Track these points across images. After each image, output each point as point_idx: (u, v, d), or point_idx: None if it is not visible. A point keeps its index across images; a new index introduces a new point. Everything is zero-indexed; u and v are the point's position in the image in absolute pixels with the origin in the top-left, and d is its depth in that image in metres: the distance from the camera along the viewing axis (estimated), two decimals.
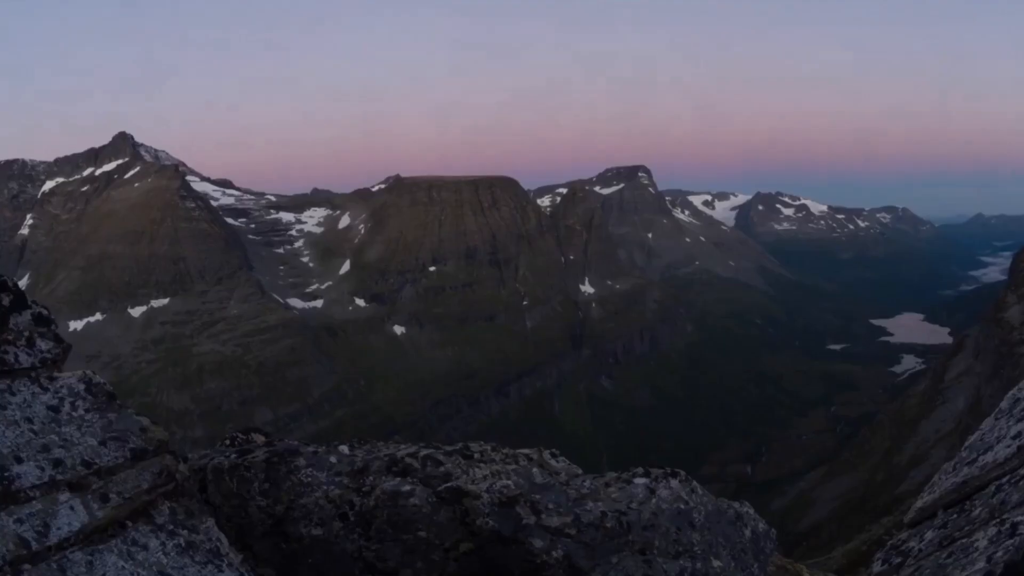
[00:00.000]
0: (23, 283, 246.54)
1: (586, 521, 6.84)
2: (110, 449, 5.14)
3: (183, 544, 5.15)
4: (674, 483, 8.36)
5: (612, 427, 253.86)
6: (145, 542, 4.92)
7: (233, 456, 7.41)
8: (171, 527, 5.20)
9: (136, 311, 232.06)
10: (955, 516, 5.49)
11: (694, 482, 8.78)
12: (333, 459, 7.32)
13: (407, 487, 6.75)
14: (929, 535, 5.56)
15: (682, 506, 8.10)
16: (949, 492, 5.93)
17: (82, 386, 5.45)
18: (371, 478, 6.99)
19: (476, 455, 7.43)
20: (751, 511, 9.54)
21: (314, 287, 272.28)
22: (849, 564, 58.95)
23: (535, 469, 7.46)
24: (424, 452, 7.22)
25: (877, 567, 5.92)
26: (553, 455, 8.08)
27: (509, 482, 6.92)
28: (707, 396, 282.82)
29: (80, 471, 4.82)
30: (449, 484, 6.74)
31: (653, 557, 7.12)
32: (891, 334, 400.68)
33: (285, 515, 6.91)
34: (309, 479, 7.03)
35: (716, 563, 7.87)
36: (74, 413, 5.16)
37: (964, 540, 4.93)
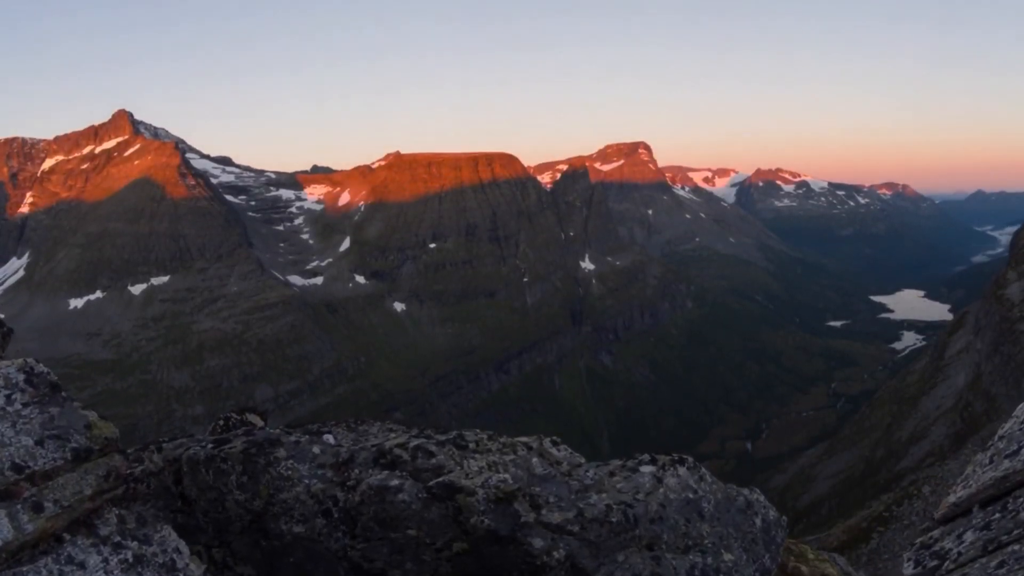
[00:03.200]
0: (23, 261, 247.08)
1: (590, 516, 6.32)
2: (48, 449, 4.44)
3: (130, 559, 4.45)
4: (682, 471, 7.89)
5: (612, 403, 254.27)
6: (83, 559, 4.23)
7: (209, 446, 6.86)
8: (117, 538, 4.49)
9: (136, 288, 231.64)
10: (998, 516, 4.97)
11: (703, 469, 8.33)
12: (316, 449, 6.77)
13: (395, 481, 6.21)
14: (969, 536, 5.03)
15: (691, 495, 7.63)
16: (987, 487, 5.40)
17: (21, 376, 4.66)
18: (357, 471, 6.45)
19: (471, 445, 6.89)
20: (761, 498, 9.10)
21: (314, 264, 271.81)
22: (849, 540, 58.88)
23: (535, 459, 6.95)
24: (414, 442, 6.67)
25: (909, 569, 5.38)
26: (554, 443, 7.57)
27: (507, 476, 6.40)
28: (707, 372, 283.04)
29: (9, 476, 4.14)
30: (441, 479, 6.20)
31: (661, 553, 6.64)
32: (891, 311, 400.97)
33: (264, 510, 6.39)
34: (289, 472, 6.48)
35: (727, 557, 7.41)
36: (9, 408, 4.49)
37: (1016, 547, 4.40)
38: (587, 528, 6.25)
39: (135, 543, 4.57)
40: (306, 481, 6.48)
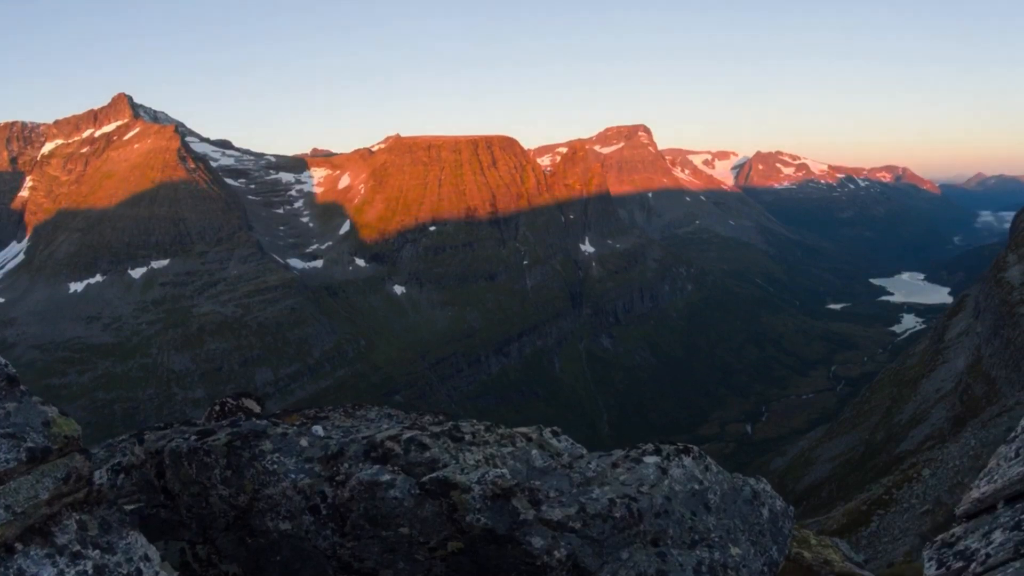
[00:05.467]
0: (23, 245, 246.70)
1: (592, 512, 6.00)
2: (1, 449, 4.00)
3: (90, 570, 4.00)
4: (687, 460, 7.59)
5: (612, 386, 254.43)
6: (36, 571, 3.79)
7: (192, 438, 6.51)
8: (76, 547, 4.03)
9: (136, 272, 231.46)
10: None
11: (708, 458, 8.04)
12: (304, 442, 6.43)
13: (386, 476, 5.87)
14: (998, 537, 4.70)
15: (696, 486, 7.33)
16: (1013, 482, 5.08)
17: None
18: (346, 465, 6.10)
19: (467, 437, 6.55)
20: (768, 487, 8.82)
21: (314, 247, 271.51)
22: (849, 523, 58.89)
23: (534, 451, 6.63)
24: (407, 435, 6.33)
25: (932, 569, 5.05)
26: (555, 433, 7.24)
27: (504, 470, 6.07)
28: (707, 355, 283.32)
29: None
30: (435, 474, 5.85)
31: (667, 549, 6.33)
32: (891, 293, 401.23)
33: (250, 506, 6.05)
34: (275, 466, 6.14)
35: (735, 551, 7.11)
36: None
37: None
38: (589, 524, 5.94)
39: (96, 552, 4.13)
40: (292, 476, 6.15)
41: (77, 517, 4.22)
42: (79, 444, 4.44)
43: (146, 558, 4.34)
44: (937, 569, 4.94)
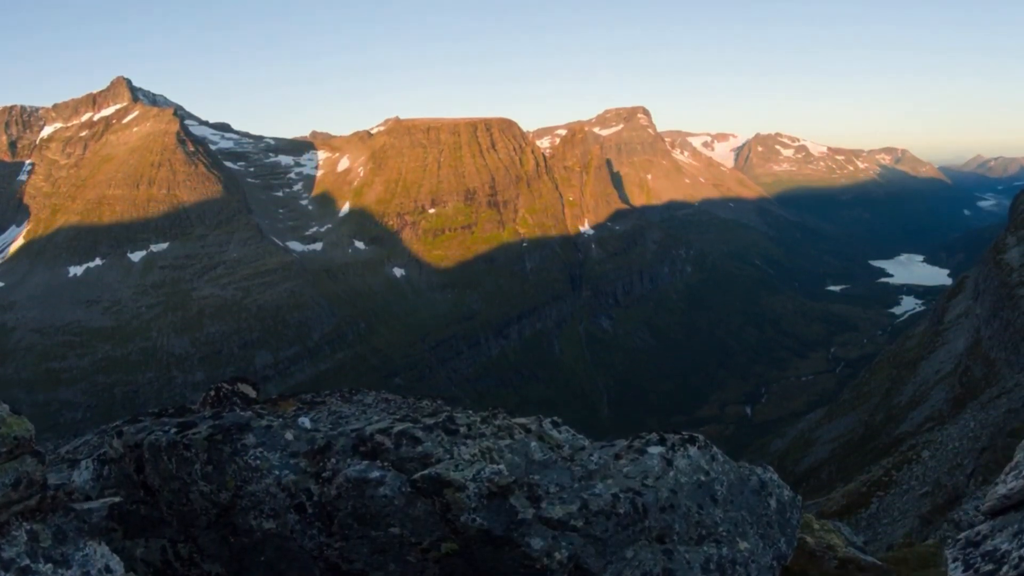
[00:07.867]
0: (22, 229, 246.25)
1: (595, 508, 5.67)
2: None
3: None
4: (693, 451, 7.28)
5: (612, 368, 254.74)
6: None
7: (172, 431, 6.17)
8: (26, 561, 3.53)
9: (136, 256, 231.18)
10: None
11: (714, 447, 7.73)
12: (289, 435, 6.08)
13: (376, 473, 5.53)
14: None
15: (703, 477, 7.02)
16: None
17: None
18: (333, 460, 5.75)
19: (462, 429, 6.18)
20: (775, 476, 8.52)
21: (313, 230, 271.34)
22: (849, 505, 58.84)
23: (533, 443, 6.29)
24: (399, 427, 5.97)
25: (958, 572, 4.71)
26: (555, 424, 6.91)
27: (501, 466, 5.73)
28: (706, 337, 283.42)
29: None
30: (427, 471, 5.50)
31: (673, 546, 6.02)
32: (891, 275, 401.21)
33: (232, 503, 5.73)
34: (258, 461, 5.79)
35: (743, 545, 6.81)
36: None
37: None
38: (592, 522, 5.61)
39: (49, 566, 3.64)
40: (277, 472, 5.82)
41: (28, 527, 3.72)
42: (32, 446, 3.95)
43: (107, 569, 3.86)
44: (964, 571, 4.61)
